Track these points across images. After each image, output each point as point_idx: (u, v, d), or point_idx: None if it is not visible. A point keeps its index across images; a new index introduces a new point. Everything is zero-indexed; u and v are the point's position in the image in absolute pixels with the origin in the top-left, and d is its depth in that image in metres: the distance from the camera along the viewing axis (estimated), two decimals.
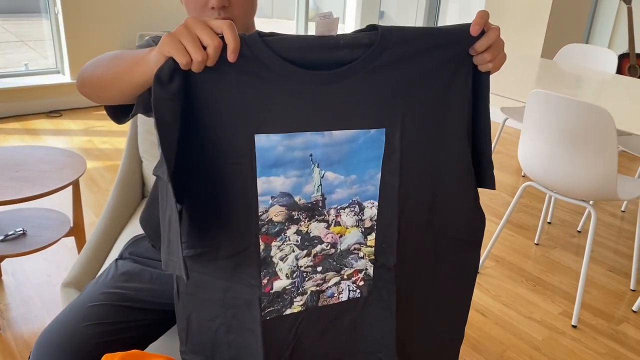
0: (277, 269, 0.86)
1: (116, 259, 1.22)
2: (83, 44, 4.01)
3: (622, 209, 3.02)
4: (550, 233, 2.71)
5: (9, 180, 1.77)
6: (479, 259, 0.95)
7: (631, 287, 2.28)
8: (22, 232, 1.92)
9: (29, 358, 1.01)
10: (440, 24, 5.69)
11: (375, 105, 0.79)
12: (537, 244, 2.59)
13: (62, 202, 2.23)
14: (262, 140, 0.77)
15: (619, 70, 3.90)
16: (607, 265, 2.45)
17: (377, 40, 0.75)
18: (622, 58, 4.02)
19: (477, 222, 0.91)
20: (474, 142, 0.87)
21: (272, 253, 0.85)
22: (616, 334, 1.99)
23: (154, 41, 1.08)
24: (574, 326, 2.02)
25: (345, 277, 0.89)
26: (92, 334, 0.98)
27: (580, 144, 1.86)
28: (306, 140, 0.79)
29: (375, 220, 0.86)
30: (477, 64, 0.81)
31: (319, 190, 0.83)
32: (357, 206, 0.85)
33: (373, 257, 0.89)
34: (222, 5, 0.97)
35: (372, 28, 0.78)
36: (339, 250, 0.88)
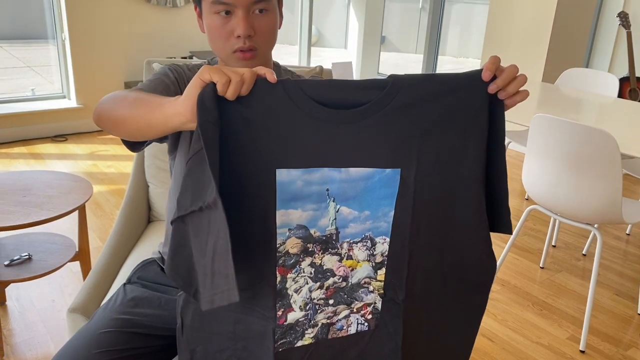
0: (291, 300, 0.86)
1: (124, 284, 1.23)
2: (89, 69, 4.06)
3: (627, 232, 3.01)
4: (555, 256, 2.70)
5: (16, 205, 1.77)
6: (487, 301, 0.95)
7: (638, 312, 2.26)
8: (27, 256, 1.92)
9: None
10: (442, 49, 5.76)
11: (391, 146, 0.81)
12: (542, 268, 2.58)
13: (68, 226, 2.24)
14: (283, 175, 0.79)
15: (620, 94, 3.93)
16: (613, 289, 2.44)
17: (390, 83, 0.78)
18: (623, 81, 4.06)
19: (487, 267, 0.92)
20: (490, 188, 0.87)
21: (287, 285, 0.85)
22: (624, 359, 1.97)
23: (170, 69, 1.10)
24: (582, 351, 2.00)
25: (355, 310, 0.90)
26: None
27: (585, 168, 1.87)
28: (324, 175, 0.81)
29: (386, 256, 0.87)
30: (501, 98, 0.83)
31: (334, 224, 0.85)
32: (369, 241, 0.86)
33: (382, 291, 0.90)
34: (247, 34, 1.02)
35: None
36: (350, 284, 0.88)
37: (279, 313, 0.86)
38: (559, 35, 3.96)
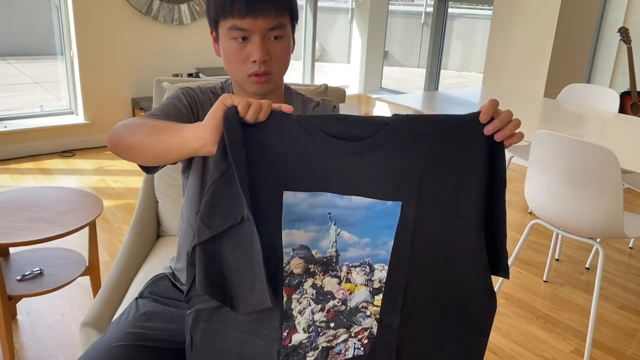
0: (295, 322, 0.90)
1: (136, 298, 1.26)
2: (97, 86, 4.12)
3: (630, 245, 3.03)
4: (558, 270, 2.72)
5: (28, 221, 1.81)
6: (486, 344, 0.94)
7: None
8: (39, 271, 1.96)
9: None
10: (444, 63, 5.81)
11: (392, 180, 0.85)
12: (545, 281, 2.60)
13: (77, 241, 2.27)
14: (289, 197, 0.84)
15: (621, 109, 3.97)
16: (616, 302, 2.46)
17: (392, 120, 0.84)
18: (624, 96, 4.10)
19: (487, 307, 0.91)
20: (490, 230, 0.88)
21: (292, 306, 0.89)
22: None
23: (184, 93, 1.14)
24: None
25: (353, 334, 0.93)
26: None
27: (585, 183, 1.90)
28: (327, 199, 0.85)
29: (384, 283, 0.90)
30: (498, 139, 0.86)
31: (334, 247, 0.88)
32: (367, 267, 0.89)
33: (378, 316, 0.92)
34: (263, 60, 1.06)
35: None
36: (348, 307, 0.91)
37: (284, 334, 0.89)
38: (560, 50, 4.01)
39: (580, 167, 1.90)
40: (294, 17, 1.12)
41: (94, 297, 1.78)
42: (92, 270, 2.03)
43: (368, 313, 0.92)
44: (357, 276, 0.90)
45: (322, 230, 0.87)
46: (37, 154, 3.99)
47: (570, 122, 2.65)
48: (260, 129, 0.81)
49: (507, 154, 3.18)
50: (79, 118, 4.18)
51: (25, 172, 3.67)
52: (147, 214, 1.78)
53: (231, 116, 0.79)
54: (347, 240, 0.88)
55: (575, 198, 1.94)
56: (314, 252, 0.88)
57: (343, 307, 0.91)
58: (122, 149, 0.96)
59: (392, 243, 0.88)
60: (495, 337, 2.15)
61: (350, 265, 0.89)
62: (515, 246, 2.26)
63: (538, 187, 2.07)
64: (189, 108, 1.12)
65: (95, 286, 2.06)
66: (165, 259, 1.49)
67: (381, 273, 0.89)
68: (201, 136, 0.81)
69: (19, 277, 1.91)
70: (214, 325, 0.89)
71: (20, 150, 3.92)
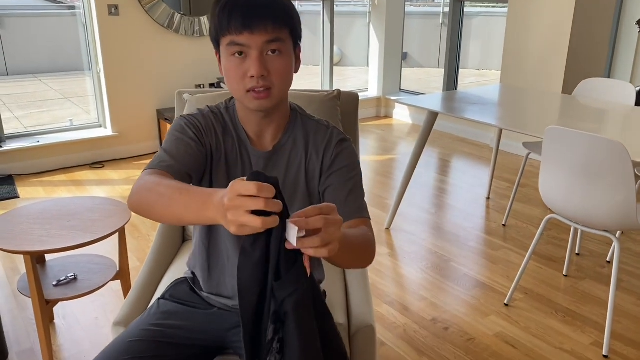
0: None
1: (159, 299, 1.35)
2: (123, 99, 4.28)
3: None
4: (579, 264, 2.74)
5: (62, 229, 1.93)
6: None
7: None
8: (73, 277, 2.07)
9: None
10: (463, 63, 5.82)
11: None
12: (566, 276, 2.62)
13: (108, 248, 2.39)
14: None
15: (639, 102, 3.93)
16: (636, 294, 2.46)
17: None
18: None
19: None
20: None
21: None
22: None
23: (187, 125, 1.16)
24: (605, 356, 2.04)
25: None
26: None
27: (598, 177, 1.93)
28: None
29: None
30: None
31: None
32: None
33: None
34: (260, 74, 1.06)
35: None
36: None
37: None
38: (577, 46, 4.00)
39: (591, 161, 1.93)
40: (294, 33, 1.11)
41: (125, 299, 1.88)
42: (122, 274, 2.13)
43: None
44: None
45: None
46: (68, 167, 4.16)
47: (587, 117, 2.66)
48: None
49: (524, 151, 3.19)
50: (107, 131, 4.34)
51: (58, 184, 3.83)
52: None
53: (250, 240, 0.84)
54: None
55: (587, 192, 1.97)
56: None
57: None
58: (142, 209, 0.98)
59: None
60: (513, 331, 2.18)
61: None
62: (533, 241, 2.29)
63: (551, 182, 2.10)
64: (197, 140, 1.14)
65: (126, 290, 2.16)
66: None
67: None
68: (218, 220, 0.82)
69: (54, 283, 2.03)
70: None
71: (52, 163, 4.09)
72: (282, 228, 0.80)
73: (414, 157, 3.04)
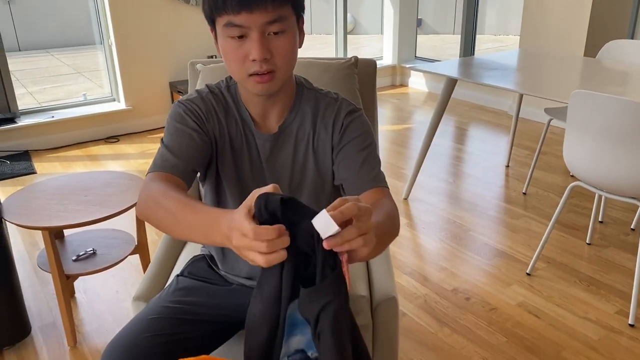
0: None
1: (177, 275, 1.33)
2: (136, 72, 4.24)
3: None
4: (602, 232, 2.68)
5: (79, 204, 1.92)
6: None
7: None
8: (92, 251, 2.07)
9: None
10: (480, 28, 5.67)
11: None
12: (589, 244, 2.57)
13: (126, 222, 2.39)
14: (291, 308, 0.82)
15: None
16: None
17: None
18: None
19: None
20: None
21: None
22: None
23: (186, 112, 1.09)
24: (632, 325, 2.00)
25: None
26: (152, 345, 1.07)
27: (626, 142, 1.86)
28: None
29: None
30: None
31: None
32: None
33: None
34: (263, 58, 0.97)
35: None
36: None
37: None
38: (599, 7, 3.86)
39: (619, 126, 1.86)
40: (297, 6, 1.01)
41: (144, 274, 1.87)
42: (141, 248, 2.13)
43: None
44: None
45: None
46: (84, 141, 4.16)
47: (612, 80, 2.57)
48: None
49: (546, 117, 3.11)
50: (121, 104, 4.31)
51: (74, 159, 3.83)
52: (190, 193, 1.85)
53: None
54: None
55: (614, 157, 1.91)
56: (309, 354, 0.84)
57: None
58: (150, 219, 0.95)
59: None
60: (536, 300, 2.15)
61: None
62: (556, 210, 2.24)
63: (577, 149, 2.04)
64: (198, 129, 1.08)
65: (145, 264, 2.16)
66: None
67: None
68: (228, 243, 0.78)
69: (74, 258, 2.03)
70: None
71: (68, 138, 4.09)
72: (293, 264, 0.76)
73: (432, 126, 2.97)
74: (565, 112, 2.91)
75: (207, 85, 1.16)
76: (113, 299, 2.23)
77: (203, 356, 0.98)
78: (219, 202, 1.20)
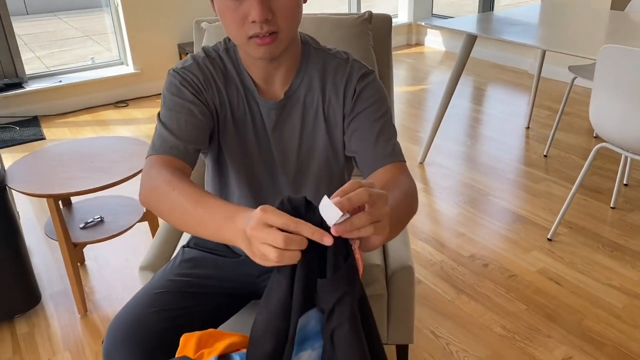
0: None
1: (183, 246, 1.27)
2: (143, 34, 4.13)
3: None
4: (627, 195, 2.58)
5: (85, 170, 1.86)
6: None
7: None
8: (100, 219, 2.02)
9: (102, 342, 1.06)
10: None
11: None
12: (613, 208, 2.47)
13: (133, 188, 2.34)
14: (302, 318, 0.75)
15: None
16: None
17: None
18: None
19: None
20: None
21: None
22: None
23: (183, 84, 1.01)
24: None
25: None
26: (159, 319, 1.03)
27: None
28: None
29: None
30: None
31: None
32: None
33: None
34: (264, 19, 0.89)
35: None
36: None
37: None
38: None
39: None
40: None
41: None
42: (149, 215, 2.08)
43: None
44: None
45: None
46: (92, 106, 4.09)
47: None
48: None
49: (569, 75, 2.97)
50: (129, 68, 4.23)
51: (83, 124, 3.78)
52: (199, 162, 1.78)
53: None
54: None
55: None
56: None
57: None
58: (155, 210, 0.89)
59: None
60: (557, 267, 2.08)
61: None
62: (579, 172, 2.14)
63: (604, 108, 1.92)
64: (197, 101, 1.00)
65: (154, 230, 2.11)
66: None
67: None
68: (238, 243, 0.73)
69: (81, 225, 1.99)
70: None
71: (76, 103, 4.03)
72: (305, 273, 0.70)
73: (449, 86, 2.85)
74: (591, 69, 2.77)
75: (203, 49, 1.06)
76: (123, 266, 2.20)
77: (210, 330, 0.94)
78: (221, 176, 1.13)
